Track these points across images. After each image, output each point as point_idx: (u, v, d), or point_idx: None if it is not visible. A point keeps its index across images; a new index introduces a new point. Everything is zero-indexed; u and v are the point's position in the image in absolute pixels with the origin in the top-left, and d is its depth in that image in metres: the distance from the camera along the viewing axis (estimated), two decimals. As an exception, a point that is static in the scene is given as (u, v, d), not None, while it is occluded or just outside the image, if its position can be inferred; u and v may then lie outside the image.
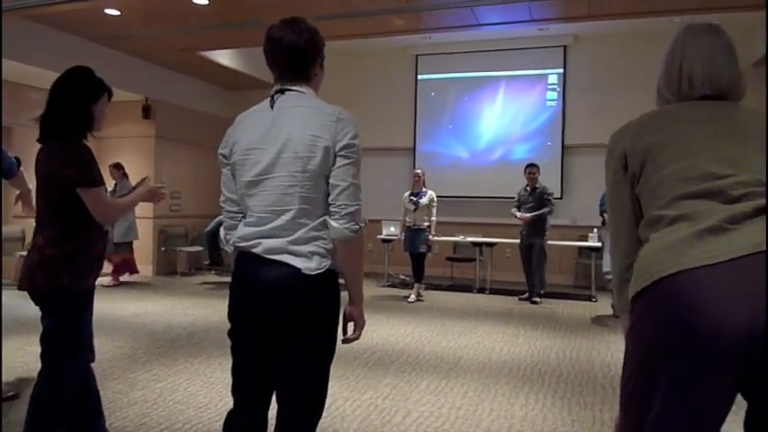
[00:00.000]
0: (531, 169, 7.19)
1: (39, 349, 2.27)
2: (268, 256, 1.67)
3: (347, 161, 1.67)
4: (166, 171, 9.13)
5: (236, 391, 1.81)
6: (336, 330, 1.76)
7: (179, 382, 3.76)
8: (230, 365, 1.82)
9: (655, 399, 1.25)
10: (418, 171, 7.32)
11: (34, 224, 2.33)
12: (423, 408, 3.37)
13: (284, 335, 1.69)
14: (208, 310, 6.25)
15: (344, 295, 1.77)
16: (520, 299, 7.24)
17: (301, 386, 1.72)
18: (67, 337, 2.27)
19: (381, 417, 3.22)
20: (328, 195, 1.69)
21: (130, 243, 7.97)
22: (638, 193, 1.45)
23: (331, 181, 1.67)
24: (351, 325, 1.82)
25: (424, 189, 7.13)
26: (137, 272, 8.10)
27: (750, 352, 1.16)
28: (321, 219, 1.69)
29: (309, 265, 1.65)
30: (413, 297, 7.10)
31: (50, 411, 2.26)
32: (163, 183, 2.51)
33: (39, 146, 2.32)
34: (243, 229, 1.74)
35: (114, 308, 6.18)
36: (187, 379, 3.82)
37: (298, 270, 1.64)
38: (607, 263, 6.50)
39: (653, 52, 9.33)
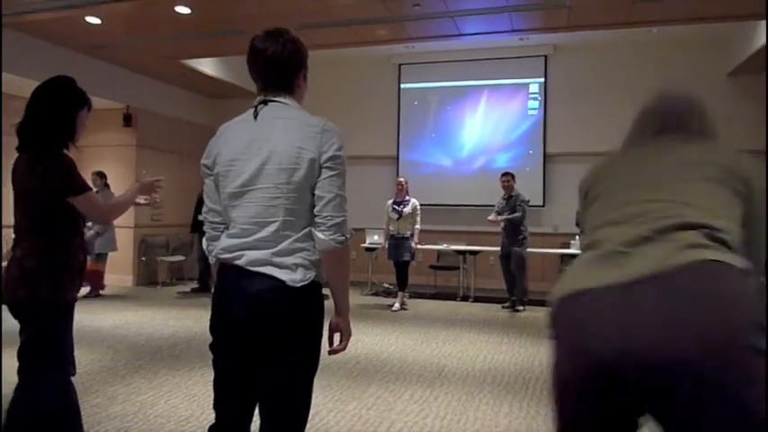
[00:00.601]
0: (505, 177, 7.21)
1: (15, 363, 2.23)
2: (251, 268, 1.65)
3: (333, 173, 1.67)
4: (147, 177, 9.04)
5: (217, 405, 1.78)
6: (320, 342, 1.74)
7: (160, 395, 3.71)
8: (212, 378, 1.80)
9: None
10: (401, 179, 7.33)
11: (13, 236, 2.29)
12: (407, 418, 3.36)
13: (267, 348, 1.66)
14: (189, 320, 6.18)
15: (328, 306, 1.76)
16: (503, 307, 7.26)
17: (284, 400, 1.70)
18: (47, 351, 2.22)
19: (366, 427, 3.20)
20: (313, 207, 1.68)
21: (106, 255, 7.78)
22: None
23: (317, 192, 1.66)
24: (337, 336, 1.81)
25: (407, 198, 7.14)
26: (102, 287, 7.76)
27: (621, 379, 1.14)
28: (305, 230, 1.68)
29: (294, 277, 1.64)
30: (397, 305, 7.09)
31: (26, 427, 2.20)
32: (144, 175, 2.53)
33: (16, 155, 2.28)
34: (226, 241, 1.72)
35: (94, 319, 6.08)
36: (168, 392, 3.77)
37: (282, 282, 1.63)
38: None
39: (632, 62, 9.51)
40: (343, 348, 1.82)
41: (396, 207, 7.10)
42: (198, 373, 4.15)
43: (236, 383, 1.74)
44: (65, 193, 2.18)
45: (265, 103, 1.73)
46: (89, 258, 7.66)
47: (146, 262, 8.92)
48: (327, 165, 1.66)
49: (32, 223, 2.22)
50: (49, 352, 2.23)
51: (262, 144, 1.67)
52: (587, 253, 1.35)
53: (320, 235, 1.66)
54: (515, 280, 7.09)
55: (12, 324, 2.25)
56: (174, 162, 9.68)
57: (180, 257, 9.21)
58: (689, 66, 8.03)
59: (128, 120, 8.81)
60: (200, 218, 2.01)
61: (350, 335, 1.81)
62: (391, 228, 7.14)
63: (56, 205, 2.20)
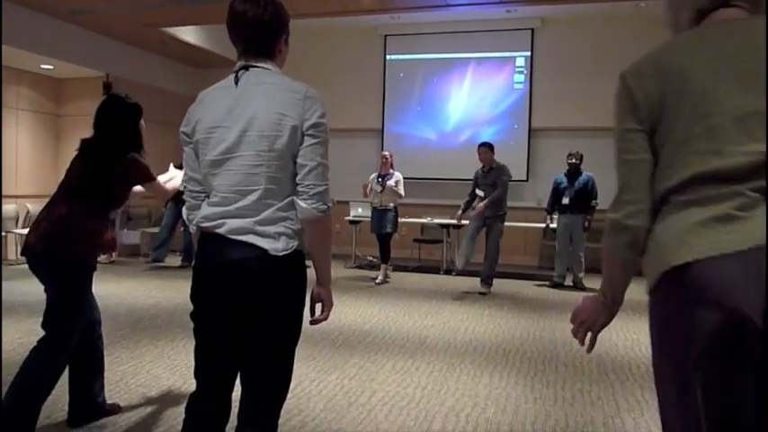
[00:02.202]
0: (483, 149, 6.62)
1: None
2: (233, 237, 1.63)
3: (315, 140, 1.64)
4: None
5: (198, 374, 1.78)
6: (302, 312, 1.74)
7: (142, 364, 3.71)
8: (194, 348, 1.80)
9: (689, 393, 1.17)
10: (386, 153, 7.29)
11: (52, 195, 2.62)
12: (388, 388, 3.40)
13: (249, 317, 1.66)
14: (172, 291, 6.17)
15: (311, 276, 1.76)
16: (480, 294, 6.73)
17: (266, 369, 1.70)
18: (75, 305, 2.56)
19: (347, 397, 3.24)
20: (295, 175, 1.66)
21: (113, 221, 7.85)
22: (657, 145, 1.29)
23: (299, 161, 1.64)
24: (318, 306, 1.81)
25: (391, 171, 7.12)
26: (115, 250, 8.08)
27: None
28: (288, 199, 1.66)
29: (276, 246, 1.62)
30: (380, 278, 7.12)
31: (37, 382, 2.46)
32: None
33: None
34: (207, 209, 1.70)
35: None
36: (150, 361, 3.77)
37: (264, 251, 1.61)
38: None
39: (619, 36, 9.46)
40: (325, 318, 1.82)
41: (379, 180, 7.08)
42: (180, 343, 4.16)
43: (217, 353, 1.74)
44: (143, 179, 2.74)
45: (246, 68, 1.69)
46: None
47: (127, 233, 8.83)
48: (310, 132, 1.64)
49: (90, 194, 2.57)
50: (73, 308, 2.55)
51: (243, 110, 1.64)
52: (691, 212, 1.19)
53: (302, 203, 1.64)
54: (488, 257, 6.59)
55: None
56: (156, 132, 9.49)
57: (162, 229, 9.13)
58: (674, 41, 8.03)
59: (107, 88, 8.62)
60: (180, 187, 2.05)
61: (331, 305, 1.81)
62: (374, 200, 7.12)
63: (119, 188, 2.68)
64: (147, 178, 2.79)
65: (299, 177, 1.65)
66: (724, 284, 1.11)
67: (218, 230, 1.66)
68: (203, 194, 1.76)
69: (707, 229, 1.16)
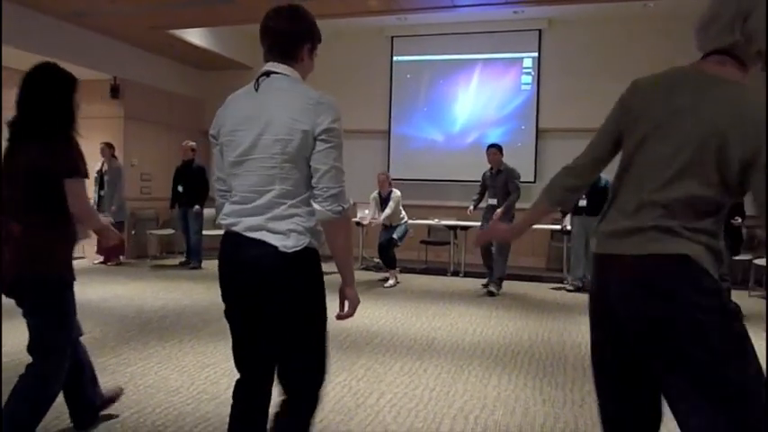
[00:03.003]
0: (492, 150, 6.61)
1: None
2: (247, 234, 1.72)
3: (327, 145, 1.70)
4: (136, 153, 8.94)
5: (237, 367, 1.88)
6: (317, 306, 1.79)
7: (150, 366, 3.71)
8: (203, 349, 1.81)
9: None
10: (382, 174, 7.36)
11: None
12: (397, 389, 3.39)
13: (267, 312, 1.74)
14: (179, 293, 6.17)
15: (329, 274, 1.78)
16: (483, 285, 6.88)
17: (293, 360, 1.79)
18: (57, 330, 2.30)
19: (355, 398, 3.22)
20: (310, 178, 1.72)
21: (122, 223, 8.02)
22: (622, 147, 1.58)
23: (312, 164, 1.71)
24: (345, 303, 1.88)
25: (390, 189, 7.16)
26: (123, 254, 8.29)
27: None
28: (302, 197, 1.73)
29: (286, 243, 1.69)
30: (391, 282, 7.07)
31: (33, 412, 2.29)
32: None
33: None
34: (228, 208, 1.81)
35: (83, 291, 6.03)
36: (158, 363, 3.77)
37: (274, 248, 1.68)
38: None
39: (627, 37, 9.40)
40: (351, 314, 1.88)
41: (382, 205, 7.21)
42: (188, 344, 4.15)
43: (249, 347, 1.84)
44: (70, 173, 2.22)
45: (267, 74, 1.78)
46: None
47: (135, 235, 8.86)
48: (322, 137, 1.70)
49: (37, 200, 2.23)
50: (59, 331, 2.29)
51: (260, 115, 1.72)
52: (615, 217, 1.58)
53: (317, 206, 1.72)
54: (498, 259, 6.65)
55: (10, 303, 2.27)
56: (163, 134, 9.57)
57: (169, 231, 9.15)
58: (684, 41, 7.85)
59: (115, 91, 8.67)
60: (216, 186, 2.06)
61: (357, 302, 1.88)
62: (383, 220, 7.19)
63: (60, 185, 2.23)
64: (73, 171, 2.23)
65: (313, 181, 1.72)
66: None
67: (234, 228, 1.76)
68: (228, 193, 1.84)
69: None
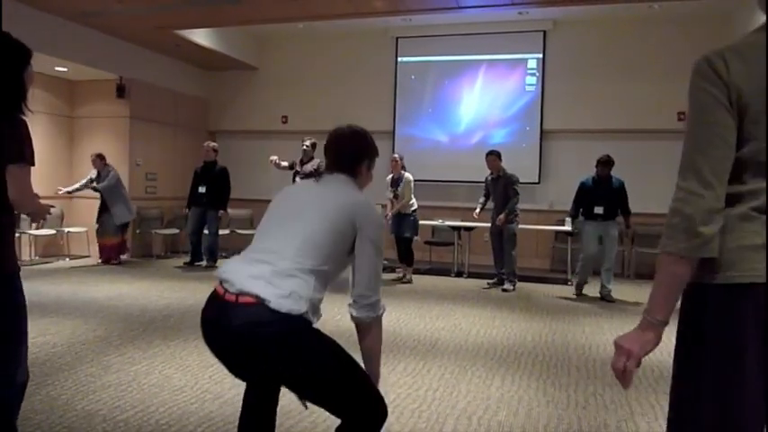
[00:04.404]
0: (491, 157, 6.88)
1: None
2: (239, 290, 1.69)
3: (370, 244, 1.79)
4: (141, 152, 8.97)
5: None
6: (323, 364, 1.73)
7: (154, 364, 3.72)
8: (206, 348, 1.79)
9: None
10: (396, 156, 7.34)
11: None
12: (400, 390, 3.39)
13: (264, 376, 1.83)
14: (184, 293, 6.19)
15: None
16: (488, 284, 7.14)
17: (324, 404, 1.81)
18: (11, 327, 2.06)
19: (359, 399, 3.22)
20: (337, 256, 1.78)
21: (128, 224, 8.17)
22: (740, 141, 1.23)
23: (355, 262, 1.79)
24: None
25: (402, 172, 7.17)
26: (124, 253, 8.35)
27: None
28: (317, 269, 1.72)
29: (281, 302, 1.62)
30: (408, 276, 7.21)
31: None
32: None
33: None
34: (231, 260, 1.84)
35: (88, 290, 6.08)
36: (162, 362, 3.78)
37: (266, 304, 1.62)
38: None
39: (632, 38, 9.35)
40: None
41: (392, 188, 7.20)
42: (192, 344, 4.17)
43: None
44: (16, 157, 1.94)
45: (330, 172, 1.95)
46: (110, 233, 8.03)
47: (140, 234, 8.89)
48: (366, 234, 1.79)
49: None
50: (13, 328, 2.07)
51: (314, 197, 1.87)
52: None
53: (354, 312, 1.81)
54: (506, 257, 6.97)
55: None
56: (168, 134, 9.60)
57: (174, 230, 9.18)
58: (689, 42, 7.94)
59: (121, 91, 8.70)
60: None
61: (378, 379, 1.93)
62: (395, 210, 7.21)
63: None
64: (18, 156, 1.94)
65: (353, 281, 1.80)
66: None
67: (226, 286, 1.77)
68: None
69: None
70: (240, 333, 1.61)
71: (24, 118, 2.02)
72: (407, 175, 7.18)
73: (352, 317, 1.79)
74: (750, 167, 1.22)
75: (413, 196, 7.21)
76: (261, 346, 1.61)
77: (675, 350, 1.32)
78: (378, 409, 1.79)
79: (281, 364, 1.65)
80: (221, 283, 1.71)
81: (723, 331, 1.21)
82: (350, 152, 1.95)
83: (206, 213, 7.98)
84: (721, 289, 1.22)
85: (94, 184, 7.93)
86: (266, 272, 1.66)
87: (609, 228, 6.36)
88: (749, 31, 1.28)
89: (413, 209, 7.19)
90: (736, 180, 1.23)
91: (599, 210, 6.32)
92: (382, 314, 1.84)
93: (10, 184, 1.95)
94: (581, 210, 6.51)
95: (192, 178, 8.17)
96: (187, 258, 8.25)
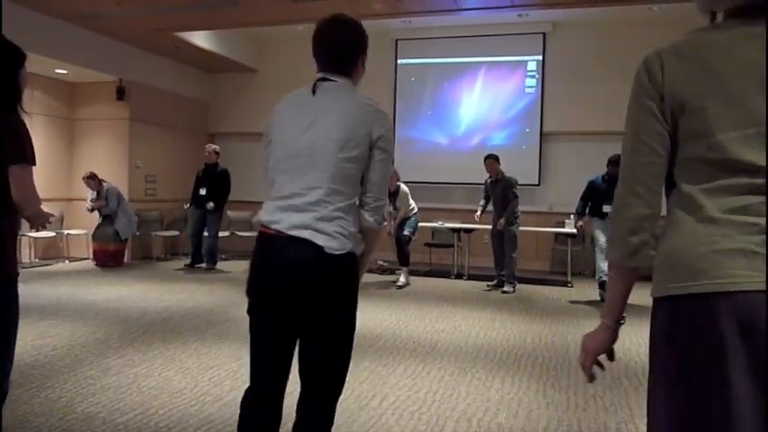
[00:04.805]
0: (489, 161, 6.95)
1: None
2: (291, 233, 1.71)
3: (383, 155, 1.77)
4: (141, 154, 8.97)
5: (255, 376, 1.85)
6: (355, 312, 1.86)
7: (154, 367, 3.72)
8: (206, 350, 1.80)
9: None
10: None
11: None
12: (399, 392, 3.39)
13: (304, 314, 1.75)
14: (183, 295, 6.19)
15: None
16: (488, 286, 7.16)
17: (325, 367, 1.81)
18: (12, 325, 2.04)
19: (358, 401, 3.22)
20: (360, 182, 1.77)
21: (128, 238, 8.23)
22: (675, 143, 1.19)
23: (368, 174, 1.76)
24: None
25: (398, 184, 7.19)
26: (120, 264, 8.31)
27: None
28: (349, 202, 1.75)
29: (332, 245, 1.70)
30: (402, 280, 7.15)
31: None
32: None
33: None
34: (269, 205, 1.79)
35: (87, 292, 6.07)
36: (162, 364, 3.78)
37: (320, 249, 1.69)
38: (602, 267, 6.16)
39: (631, 41, 9.38)
40: None
41: (389, 201, 7.19)
42: (191, 346, 4.16)
43: (271, 359, 1.82)
44: (17, 158, 1.93)
45: (323, 80, 1.81)
46: (108, 239, 8.01)
47: (140, 237, 8.88)
48: (379, 145, 1.75)
49: None
50: (5, 336, 2.02)
51: (316, 116, 1.75)
52: (727, 232, 1.10)
53: (365, 215, 1.79)
54: (506, 259, 6.99)
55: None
56: (168, 136, 9.60)
57: (174, 232, 9.19)
58: (688, 45, 7.95)
59: (121, 93, 8.70)
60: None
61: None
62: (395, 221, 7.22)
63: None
64: (19, 156, 1.94)
65: (364, 188, 1.78)
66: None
67: (275, 226, 1.74)
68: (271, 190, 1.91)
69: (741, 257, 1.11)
70: (308, 261, 1.68)
71: (22, 118, 2.02)
72: (403, 187, 7.20)
73: (363, 220, 1.78)
74: (709, 166, 1.14)
75: (411, 201, 7.24)
76: (320, 277, 1.71)
77: (650, 363, 1.24)
78: (343, 381, 1.91)
79: (328, 299, 1.74)
80: (269, 225, 1.74)
81: (698, 344, 1.10)
82: (347, 46, 1.82)
83: (206, 215, 7.99)
84: (695, 299, 1.10)
85: (104, 213, 7.98)
86: (308, 220, 1.70)
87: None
88: (690, 30, 1.26)
89: (414, 211, 7.26)
90: (698, 182, 1.15)
91: (608, 209, 6.25)
92: (384, 225, 1.90)
93: (13, 185, 1.94)
94: (587, 208, 6.48)
95: (194, 181, 8.18)
96: (187, 260, 8.25)
